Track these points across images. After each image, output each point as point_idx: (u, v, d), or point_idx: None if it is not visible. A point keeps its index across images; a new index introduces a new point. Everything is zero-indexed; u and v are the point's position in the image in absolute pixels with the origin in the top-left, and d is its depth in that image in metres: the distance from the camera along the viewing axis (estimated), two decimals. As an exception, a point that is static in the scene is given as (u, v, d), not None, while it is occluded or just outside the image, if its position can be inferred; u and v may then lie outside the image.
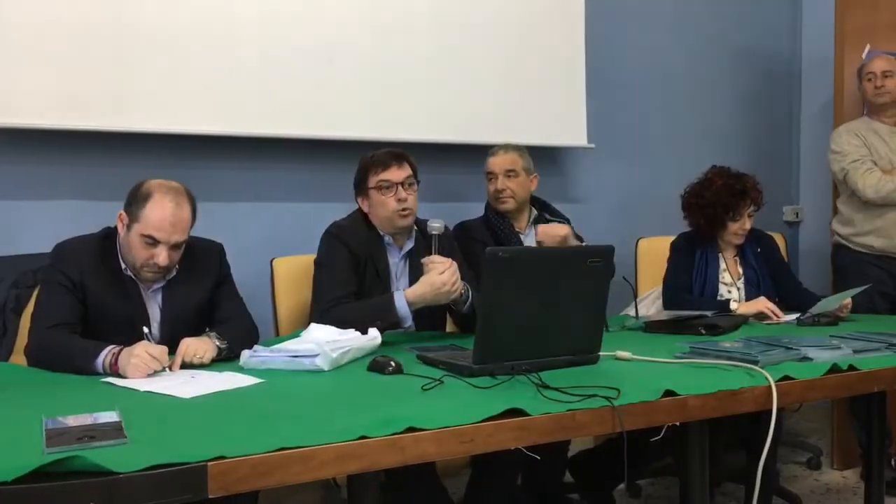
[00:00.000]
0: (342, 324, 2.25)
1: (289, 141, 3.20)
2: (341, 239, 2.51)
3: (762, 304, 2.82)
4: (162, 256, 2.13)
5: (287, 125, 3.14)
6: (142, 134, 2.93)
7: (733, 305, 2.86)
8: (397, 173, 2.53)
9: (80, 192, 2.91)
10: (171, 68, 2.93)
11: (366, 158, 2.60)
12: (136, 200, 2.15)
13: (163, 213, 2.12)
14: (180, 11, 2.94)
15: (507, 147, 3.17)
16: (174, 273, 2.25)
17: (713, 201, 3.01)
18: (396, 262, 2.60)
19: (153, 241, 2.12)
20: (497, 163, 3.13)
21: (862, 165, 3.32)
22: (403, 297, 2.35)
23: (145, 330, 2.07)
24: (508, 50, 3.59)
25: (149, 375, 1.88)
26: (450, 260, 2.39)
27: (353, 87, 3.25)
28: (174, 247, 2.16)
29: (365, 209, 2.60)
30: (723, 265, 3.10)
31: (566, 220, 3.23)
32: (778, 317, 2.78)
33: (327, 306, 2.38)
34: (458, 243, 2.81)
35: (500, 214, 3.14)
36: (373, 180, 2.54)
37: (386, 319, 2.33)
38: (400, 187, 2.52)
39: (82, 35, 2.80)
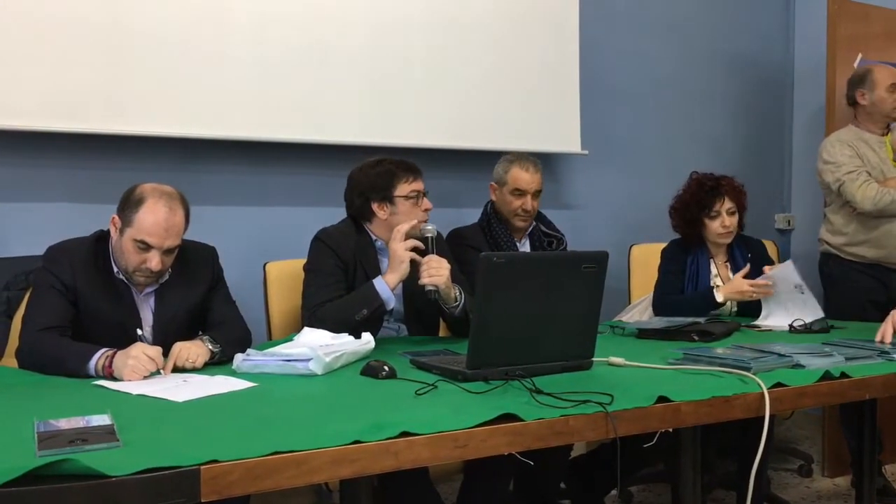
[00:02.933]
0: (329, 323, 2.26)
1: (282, 145, 3.20)
2: (329, 244, 2.51)
3: (739, 282, 2.88)
4: (154, 261, 2.12)
5: (281, 129, 3.14)
6: (134, 137, 2.92)
7: (718, 296, 2.92)
8: (422, 184, 2.58)
9: (73, 195, 2.90)
10: (165, 71, 2.93)
11: (386, 164, 2.57)
12: (129, 205, 2.14)
13: (156, 218, 2.11)
14: (174, 15, 2.94)
15: (536, 164, 3.13)
16: (167, 277, 2.24)
17: (688, 201, 3.09)
18: (386, 268, 2.60)
19: (146, 246, 2.11)
20: (530, 182, 3.08)
21: (859, 177, 3.28)
22: (381, 279, 2.39)
23: (139, 332, 2.06)
24: (503, 56, 3.60)
25: (143, 378, 1.87)
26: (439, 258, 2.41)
27: (347, 92, 3.26)
28: (167, 252, 2.15)
29: (382, 216, 2.55)
30: (714, 270, 3.11)
31: (561, 236, 3.23)
32: (762, 286, 2.82)
33: (314, 310, 2.38)
34: (453, 250, 2.81)
35: (501, 222, 3.13)
36: (404, 189, 2.53)
37: (370, 306, 2.35)
38: (425, 197, 2.58)
39: (75, 38, 2.79)
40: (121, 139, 2.92)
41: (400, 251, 2.39)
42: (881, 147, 3.40)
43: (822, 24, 3.87)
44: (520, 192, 3.08)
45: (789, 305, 2.81)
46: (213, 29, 3.01)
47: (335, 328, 2.22)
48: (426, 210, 2.57)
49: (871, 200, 3.25)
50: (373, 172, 2.58)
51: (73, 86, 2.80)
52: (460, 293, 2.47)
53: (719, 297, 2.93)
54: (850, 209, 3.38)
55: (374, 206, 2.57)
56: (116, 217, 2.17)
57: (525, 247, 3.17)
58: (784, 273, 2.81)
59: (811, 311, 2.75)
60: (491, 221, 3.14)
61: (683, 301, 2.99)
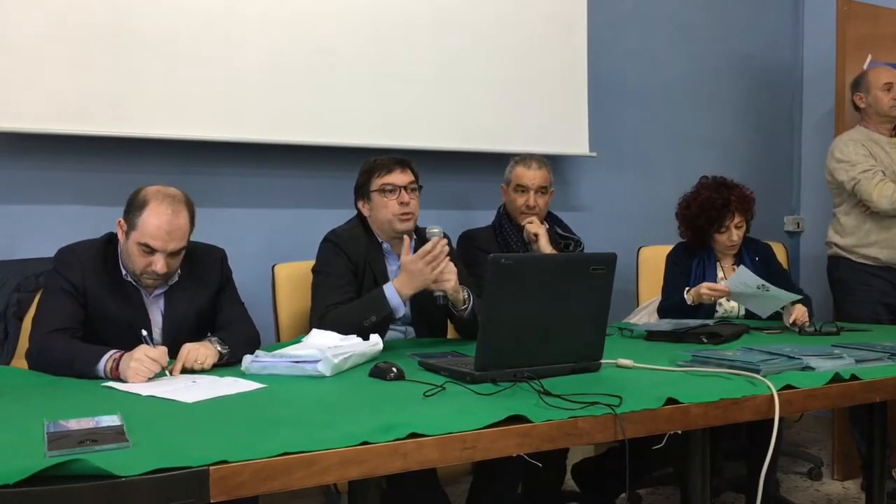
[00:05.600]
0: (339, 326, 2.25)
1: (291, 147, 3.21)
2: (339, 246, 2.52)
3: (703, 286, 2.90)
4: (159, 264, 2.12)
5: (289, 131, 3.15)
6: (144, 139, 2.93)
7: (687, 298, 2.93)
8: (401, 177, 2.54)
9: (83, 197, 2.91)
10: (174, 74, 2.94)
11: (369, 163, 2.61)
12: (133, 208, 2.15)
13: (159, 221, 2.11)
14: (183, 17, 2.95)
15: (539, 161, 3.13)
16: (176, 278, 2.25)
17: (697, 214, 3.08)
18: (395, 271, 2.60)
19: (150, 250, 2.12)
20: (532, 178, 3.09)
21: (874, 176, 3.26)
22: (392, 286, 2.36)
23: (143, 333, 2.06)
24: (511, 58, 3.60)
25: (150, 380, 1.88)
26: (425, 249, 2.36)
27: (356, 94, 3.26)
28: (172, 254, 2.15)
29: (365, 213, 2.60)
30: (720, 273, 3.11)
31: (578, 238, 3.22)
32: (720, 290, 2.84)
33: (324, 312, 2.39)
34: (463, 252, 2.81)
35: (513, 224, 3.12)
36: (376, 183, 2.55)
37: (378, 313, 2.34)
38: (403, 191, 2.53)
39: (85, 40, 2.81)
40: (131, 142, 2.93)
41: (426, 273, 2.33)
42: (892, 148, 3.39)
43: (831, 25, 3.85)
44: (522, 189, 3.10)
45: (761, 302, 2.84)
46: (222, 32, 3.02)
47: (343, 332, 2.22)
48: (402, 204, 2.52)
49: (888, 199, 3.23)
50: (361, 170, 2.62)
51: (84, 89, 2.81)
52: (469, 296, 2.47)
53: (688, 300, 2.94)
54: (862, 209, 3.35)
55: (360, 205, 2.61)
56: (122, 220, 2.18)
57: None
58: (742, 278, 2.80)
59: (784, 299, 2.78)
60: (502, 224, 3.14)
61: (672, 305, 3.00)
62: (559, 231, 3.19)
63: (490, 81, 3.55)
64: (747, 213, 3.08)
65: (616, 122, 4.03)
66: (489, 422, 1.49)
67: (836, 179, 3.41)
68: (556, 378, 1.84)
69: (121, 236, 2.18)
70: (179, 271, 2.25)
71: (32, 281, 2.46)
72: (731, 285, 2.84)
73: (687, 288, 2.97)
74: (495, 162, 3.35)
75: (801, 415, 3.36)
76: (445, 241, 2.38)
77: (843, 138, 3.45)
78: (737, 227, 3.05)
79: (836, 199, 3.51)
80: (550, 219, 3.21)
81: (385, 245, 2.60)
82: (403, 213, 2.52)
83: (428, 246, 2.34)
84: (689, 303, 2.93)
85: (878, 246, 3.35)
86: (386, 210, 2.53)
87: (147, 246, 2.11)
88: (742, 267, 2.86)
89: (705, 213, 3.05)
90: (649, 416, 1.65)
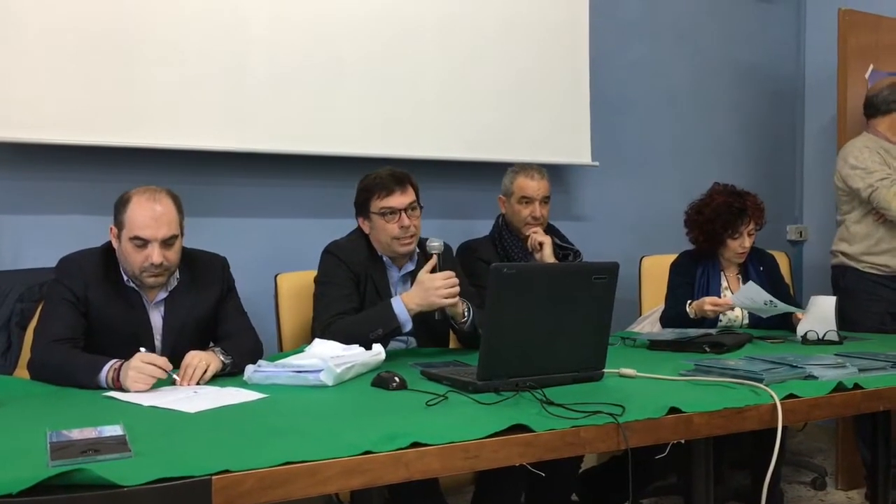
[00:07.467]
0: (343, 337, 2.25)
1: (295, 157, 3.22)
2: (339, 257, 2.52)
3: (707, 301, 2.91)
4: (155, 254, 2.13)
5: (293, 141, 3.16)
6: (147, 149, 2.94)
7: (690, 312, 2.95)
8: (400, 199, 2.51)
9: (87, 207, 2.91)
10: (178, 84, 2.95)
11: (368, 180, 2.58)
12: (118, 210, 2.19)
13: (143, 211, 2.14)
14: (188, 27, 2.97)
15: (540, 171, 3.13)
16: (175, 283, 2.26)
17: (712, 218, 3.05)
18: (396, 282, 2.60)
19: (142, 242, 2.13)
20: (536, 189, 3.08)
21: (893, 185, 3.20)
22: (401, 301, 2.35)
23: (142, 350, 2.07)
24: (514, 68, 3.60)
25: (154, 388, 1.88)
26: (449, 273, 2.38)
27: (360, 105, 3.27)
28: (165, 243, 2.16)
29: (366, 230, 2.59)
30: (724, 283, 3.11)
31: (577, 249, 3.22)
32: (722, 305, 2.89)
33: (328, 322, 2.39)
34: (463, 263, 2.81)
35: (513, 234, 3.12)
36: (375, 205, 2.52)
37: (386, 326, 2.33)
38: (403, 214, 2.50)
39: (89, 50, 2.82)
40: (134, 151, 2.94)
41: (439, 293, 2.32)
42: None
43: (832, 34, 3.86)
44: (527, 200, 3.09)
45: (763, 312, 2.87)
46: (227, 42, 3.03)
47: (348, 342, 2.22)
48: (402, 227, 2.49)
49: None
50: (359, 187, 2.60)
51: (87, 98, 2.82)
52: (468, 308, 2.46)
53: (690, 313, 2.95)
54: (875, 217, 3.32)
55: (360, 221, 2.60)
56: (112, 227, 2.21)
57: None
58: (749, 293, 2.81)
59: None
60: (502, 234, 3.13)
61: (675, 316, 3.00)
62: (557, 242, 3.19)
63: (493, 91, 3.55)
64: (759, 222, 3.08)
65: (618, 131, 4.04)
66: (491, 431, 1.49)
67: (849, 186, 3.34)
68: (559, 387, 1.84)
69: (115, 243, 2.21)
70: (179, 276, 2.26)
71: (36, 291, 2.46)
72: (737, 300, 2.84)
73: (689, 301, 2.96)
74: (498, 171, 3.35)
75: (805, 424, 3.35)
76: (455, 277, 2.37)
77: (857, 144, 3.37)
78: (749, 235, 3.05)
79: (843, 206, 3.46)
80: (549, 230, 3.21)
81: (385, 258, 2.59)
82: (404, 237, 2.51)
83: (450, 276, 2.33)
84: (690, 316, 2.93)
85: (890, 254, 3.31)
86: (386, 233, 2.51)
87: (139, 238, 2.13)
88: (751, 283, 2.86)
89: (722, 218, 3.03)
90: (652, 426, 1.65)
